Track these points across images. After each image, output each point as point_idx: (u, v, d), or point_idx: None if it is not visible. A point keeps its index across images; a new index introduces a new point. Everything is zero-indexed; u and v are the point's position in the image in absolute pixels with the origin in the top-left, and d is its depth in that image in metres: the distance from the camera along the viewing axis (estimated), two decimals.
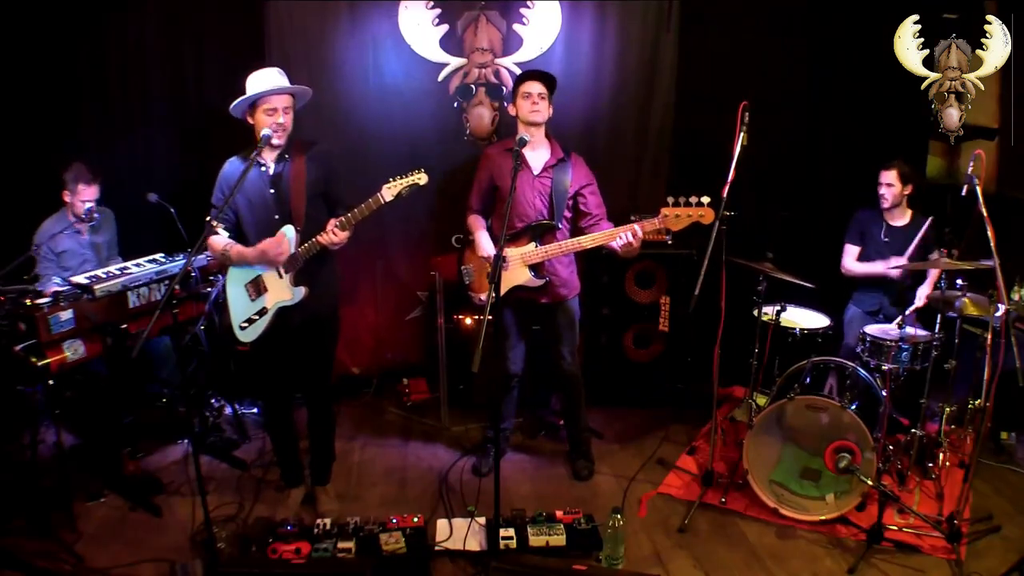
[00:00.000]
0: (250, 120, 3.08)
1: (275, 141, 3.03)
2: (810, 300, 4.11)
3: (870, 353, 3.58)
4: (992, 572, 3.00)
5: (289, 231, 3.05)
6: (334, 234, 2.99)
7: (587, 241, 3.30)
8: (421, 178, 2.97)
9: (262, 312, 3.13)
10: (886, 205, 4.01)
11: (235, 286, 3.19)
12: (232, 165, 3.15)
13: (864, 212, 4.18)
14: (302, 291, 3.09)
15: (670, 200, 3.11)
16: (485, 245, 3.49)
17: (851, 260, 4.19)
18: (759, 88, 3.75)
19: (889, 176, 3.96)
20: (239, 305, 3.18)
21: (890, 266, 3.95)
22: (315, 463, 3.54)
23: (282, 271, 3.09)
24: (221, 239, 3.12)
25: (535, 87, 3.40)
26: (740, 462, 3.51)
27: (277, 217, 3.09)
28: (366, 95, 4.34)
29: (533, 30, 4.32)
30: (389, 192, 2.96)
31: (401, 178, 2.96)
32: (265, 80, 3.03)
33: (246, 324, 3.15)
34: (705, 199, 3.07)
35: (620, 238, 3.20)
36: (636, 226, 3.18)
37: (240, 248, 3.10)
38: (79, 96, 4.30)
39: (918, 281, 4.06)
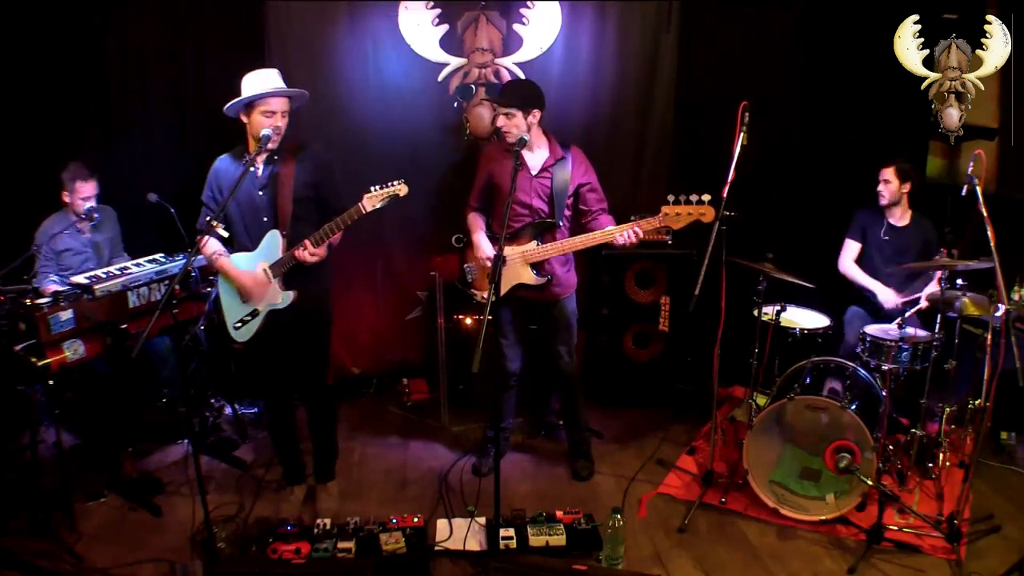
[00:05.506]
0: (244, 119, 3.07)
1: (271, 145, 3.04)
2: (810, 300, 4.11)
3: (870, 353, 3.58)
4: (992, 572, 2.99)
5: (274, 237, 3.08)
6: (308, 251, 3.01)
7: (589, 240, 3.30)
8: (401, 189, 2.99)
9: (254, 314, 3.18)
10: (884, 202, 4.02)
11: (227, 288, 3.22)
12: (223, 163, 3.16)
13: (864, 211, 4.18)
14: (291, 295, 3.13)
15: (670, 199, 3.11)
16: (483, 247, 3.49)
17: (849, 259, 4.19)
18: (759, 88, 3.74)
19: (887, 173, 3.98)
20: (232, 307, 3.22)
21: (884, 299, 3.97)
22: (318, 460, 3.56)
23: (271, 277, 3.12)
24: (213, 243, 3.15)
25: (497, 112, 3.35)
26: (740, 462, 3.51)
27: (266, 219, 3.11)
28: (366, 95, 4.34)
29: (533, 30, 4.32)
30: (370, 203, 2.97)
31: (381, 188, 2.97)
32: (263, 81, 3.02)
33: (239, 324, 3.21)
34: (706, 197, 3.07)
35: (620, 236, 3.21)
36: (636, 227, 3.18)
37: (225, 264, 3.15)
38: (79, 96, 4.29)
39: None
